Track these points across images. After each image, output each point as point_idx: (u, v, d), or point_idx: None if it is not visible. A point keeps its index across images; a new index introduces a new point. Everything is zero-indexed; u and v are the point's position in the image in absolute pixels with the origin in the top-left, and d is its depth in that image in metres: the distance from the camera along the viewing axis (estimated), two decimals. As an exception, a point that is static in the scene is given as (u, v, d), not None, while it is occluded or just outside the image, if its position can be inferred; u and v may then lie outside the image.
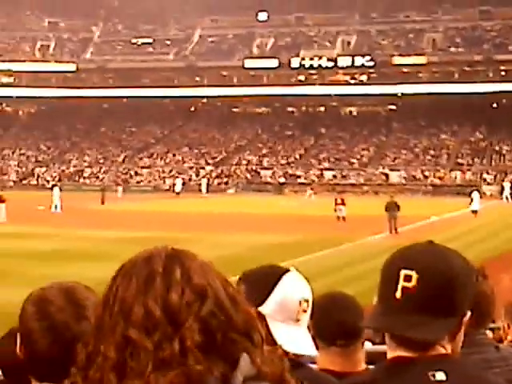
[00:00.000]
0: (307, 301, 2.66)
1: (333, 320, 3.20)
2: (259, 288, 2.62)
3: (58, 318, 2.29)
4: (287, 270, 2.68)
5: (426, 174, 71.61)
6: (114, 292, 1.49)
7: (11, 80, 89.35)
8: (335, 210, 42.48)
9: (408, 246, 2.09)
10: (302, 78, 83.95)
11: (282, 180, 73.08)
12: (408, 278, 1.98)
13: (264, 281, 2.65)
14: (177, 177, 72.56)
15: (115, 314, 1.46)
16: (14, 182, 78.05)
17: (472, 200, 45.56)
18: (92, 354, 1.46)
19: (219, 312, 1.45)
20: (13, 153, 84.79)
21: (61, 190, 50.92)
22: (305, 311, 2.65)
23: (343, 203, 42.75)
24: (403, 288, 1.98)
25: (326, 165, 75.90)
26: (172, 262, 1.48)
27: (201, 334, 1.42)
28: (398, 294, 1.98)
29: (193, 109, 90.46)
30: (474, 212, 44.81)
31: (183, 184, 69.47)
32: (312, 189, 62.43)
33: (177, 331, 1.41)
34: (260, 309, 2.57)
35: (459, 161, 73.25)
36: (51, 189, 51.57)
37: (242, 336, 1.46)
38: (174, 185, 68.90)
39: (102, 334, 1.46)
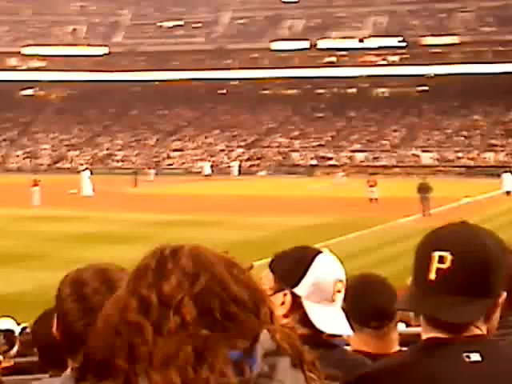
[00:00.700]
0: (341, 281, 2.67)
1: (366, 301, 3.20)
2: (293, 270, 2.63)
3: (93, 300, 2.32)
4: (320, 252, 2.69)
5: (459, 155, 71.11)
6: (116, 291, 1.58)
7: (43, 64, 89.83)
8: (368, 192, 42.45)
9: (441, 227, 2.08)
10: (332, 59, 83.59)
11: (313, 162, 72.96)
12: (442, 260, 1.97)
13: (297, 262, 2.66)
14: (205, 160, 72.70)
15: (113, 307, 1.54)
16: (46, 165, 78.64)
17: (503, 181, 45.23)
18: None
19: (216, 287, 1.49)
20: (45, 136, 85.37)
21: (91, 173, 51.22)
22: (339, 292, 2.66)
23: (375, 185, 42.67)
24: (437, 269, 1.97)
25: (357, 146, 75.64)
26: (165, 256, 1.53)
27: (197, 309, 1.46)
28: (432, 276, 1.98)
29: (223, 91, 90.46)
30: (508, 193, 44.53)
31: (212, 167, 69.61)
32: (343, 170, 62.27)
33: (173, 309, 1.46)
34: (295, 290, 2.61)
35: (492, 141, 72.65)
36: (81, 173, 51.90)
37: (248, 311, 1.49)
38: (202, 167, 69.08)
39: (105, 325, 1.53)
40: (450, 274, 1.96)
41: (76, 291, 2.37)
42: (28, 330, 5.89)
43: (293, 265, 2.65)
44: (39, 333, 3.39)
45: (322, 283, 2.62)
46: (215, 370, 1.41)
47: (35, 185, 42.63)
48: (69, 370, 2.25)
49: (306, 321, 2.60)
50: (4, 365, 4.49)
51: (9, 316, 6.20)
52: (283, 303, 2.60)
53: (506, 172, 46.85)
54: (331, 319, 2.62)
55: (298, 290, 2.61)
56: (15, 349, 5.81)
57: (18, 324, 6.13)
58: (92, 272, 2.40)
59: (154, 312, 1.47)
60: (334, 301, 2.64)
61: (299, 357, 1.50)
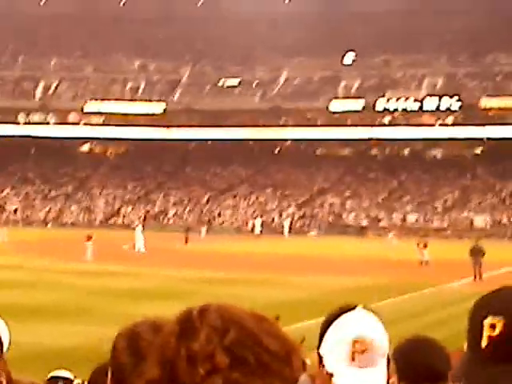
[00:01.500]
0: (364, 341, 2.56)
1: (418, 363, 3.13)
2: (321, 328, 2.63)
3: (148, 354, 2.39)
4: (351, 309, 2.65)
5: (513, 219, 70.35)
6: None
7: (101, 120, 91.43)
8: (419, 254, 42.18)
9: (491, 292, 1.98)
10: (387, 120, 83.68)
11: (365, 223, 72.70)
12: (493, 326, 1.88)
13: (325, 321, 2.65)
14: (256, 217, 72.85)
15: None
16: (100, 221, 79.56)
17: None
18: None
19: (248, 340, 1.50)
20: (100, 192, 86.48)
21: (144, 228, 51.68)
22: (363, 352, 2.55)
23: (426, 247, 42.43)
24: (489, 337, 1.88)
25: (409, 208, 75.26)
26: (191, 316, 1.55)
27: (229, 359, 1.46)
28: (484, 344, 1.88)
29: (277, 150, 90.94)
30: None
31: (262, 225, 69.74)
32: (394, 233, 61.84)
33: (203, 361, 1.47)
34: (319, 350, 2.59)
35: (547, 206, 71.80)
36: (134, 229, 52.40)
37: (280, 361, 1.50)
38: (253, 226, 69.19)
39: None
40: (502, 341, 1.87)
41: (131, 345, 2.40)
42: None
43: (323, 324, 2.65)
44: None
45: (339, 341, 2.56)
46: None
47: (89, 239, 43.15)
48: None
49: (329, 381, 2.56)
50: None
51: (65, 369, 6.38)
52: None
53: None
54: (354, 380, 2.54)
55: (321, 350, 2.59)
56: None
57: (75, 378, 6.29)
58: (147, 326, 2.44)
59: (183, 373, 1.48)
60: (353, 360, 2.55)
61: None
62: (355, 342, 2.54)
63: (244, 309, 1.58)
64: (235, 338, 1.48)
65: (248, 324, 1.52)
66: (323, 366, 2.58)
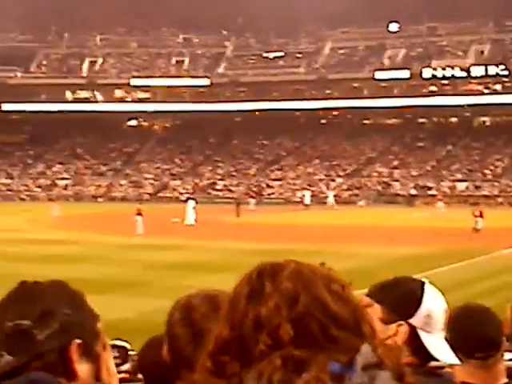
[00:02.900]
0: (446, 311, 2.70)
1: (471, 332, 3.12)
2: (406, 301, 2.64)
3: (201, 325, 2.40)
4: (424, 282, 2.70)
5: None
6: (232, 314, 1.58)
7: (147, 95, 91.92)
8: (474, 222, 41.92)
9: None
10: (433, 88, 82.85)
11: (413, 192, 72.27)
12: None
13: (410, 293, 2.66)
14: (306, 189, 72.77)
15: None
16: (149, 194, 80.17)
17: None
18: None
19: (316, 310, 1.51)
20: (149, 166, 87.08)
21: (196, 202, 51.85)
22: (444, 322, 2.68)
23: (481, 215, 42.17)
24: None
25: (459, 176, 74.60)
26: (263, 277, 1.56)
27: (294, 331, 1.47)
28: None
29: (323, 121, 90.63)
30: None
31: (312, 196, 69.68)
32: (442, 200, 61.34)
33: (267, 332, 1.48)
34: (410, 321, 2.63)
35: None
36: (186, 201, 52.59)
37: (348, 330, 1.51)
38: (303, 197, 69.17)
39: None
40: None
41: (186, 316, 2.47)
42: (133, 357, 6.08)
43: (405, 296, 2.65)
44: (146, 358, 3.46)
45: (435, 313, 2.63)
46: (312, 380, 1.44)
47: (139, 214, 43.50)
48: None
49: (419, 351, 2.60)
50: (118, 376, 4.67)
51: (122, 340, 6.49)
52: (395, 334, 2.60)
53: None
54: (443, 348, 2.62)
55: (413, 321, 2.62)
56: (127, 365, 6.05)
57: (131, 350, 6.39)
58: (201, 298, 2.50)
59: (248, 337, 1.50)
60: (442, 329, 2.65)
61: (400, 372, 1.52)
62: (444, 312, 2.67)
63: (317, 269, 1.59)
64: (303, 309, 1.48)
65: (319, 291, 1.52)
66: (413, 335, 2.63)
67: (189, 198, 53.69)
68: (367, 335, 1.52)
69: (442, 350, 2.60)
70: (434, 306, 2.64)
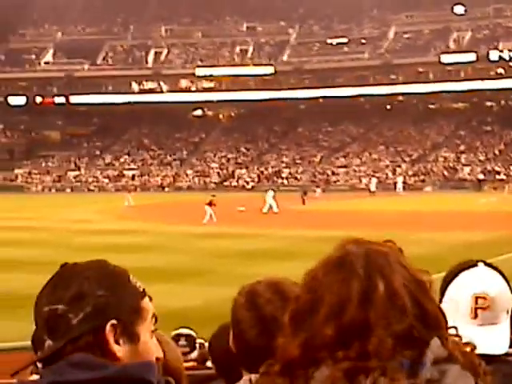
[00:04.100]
0: (487, 297, 2.54)
1: None
2: (441, 285, 2.62)
3: (265, 310, 2.47)
4: (474, 265, 2.64)
5: None
6: (310, 288, 1.59)
7: (212, 85, 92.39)
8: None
9: None
10: (501, 70, 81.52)
11: (481, 176, 71.35)
12: None
13: (445, 277, 2.65)
14: (372, 176, 72.40)
15: (309, 310, 1.57)
16: (215, 183, 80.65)
17: None
18: (284, 345, 1.58)
19: (414, 308, 1.51)
20: (214, 155, 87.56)
21: (274, 191, 51.66)
22: (485, 308, 2.54)
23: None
24: None
25: (528, 160, 73.45)
26: (372, 270, 1.54)
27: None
28: None
29: (388, 107, 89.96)
30: None
31: (378, 183, 69.31)
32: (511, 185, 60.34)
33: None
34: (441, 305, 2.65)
35: None
36: (266, 191, 52.24)
37: (432, 325, 1.53)
38: (369, 183, 68.84)
39: (295, 327, 1.59)
40: None
41: (249, 301, 2.52)
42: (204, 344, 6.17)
43: (444, 279, 2.65)
44: (216, 346, 3.51)
45: (457, 298, 2.56)
46: (387, 373, 1.45)
47: (210, 204, 43.58)
48: (243, 380, 2.45)
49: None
50: (186, 365, 4.73)
51: (188, 328, 6.64)
52: None
53: None
54: (475, 337, 2.38)
55: (442, 305, 2.61)
56: (195, 353, 6.15)
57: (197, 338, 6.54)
58: (265, 284, 2.56)
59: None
60: (475, 317, 2.54)
61: (471, 366, 1.53)
62: (477, 297, 2.53)
63: (405, 261, 1.59)
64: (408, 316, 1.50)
65: (396, 283, 1.52)
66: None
67: (269, 189, 53.34)
68: (437, 327, 1.53)
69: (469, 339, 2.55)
70: (460, 290, 2.56)
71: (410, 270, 1.55)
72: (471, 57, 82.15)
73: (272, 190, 51.80)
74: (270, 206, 48.52)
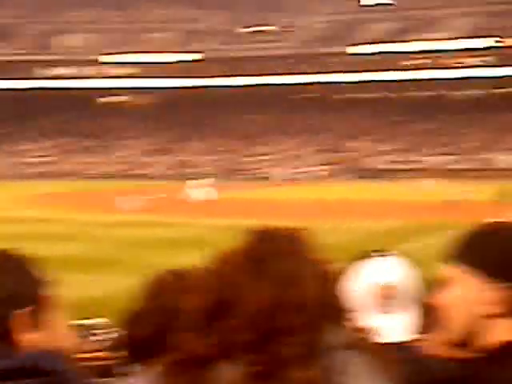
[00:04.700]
0: (392, 286, 2.60)
1: None
2: (351, 274, 2.63)
3: (170, 299, 2.46)
4: (380, 255, 2.68)
5: None
6: (225, 286, 1.56)
7: (122, 71, 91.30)
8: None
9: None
10: (407, 63, 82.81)
11: (393, 166, 72.45)
12: None
13: (354, 266, 2.67)
14: (277, 165, 72.86)
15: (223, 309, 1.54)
16: (127, 171, 79.57)
17: None
18: (194, 338, 1.55)
19: (319, 302, 1.50)
20: (125, 143, 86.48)
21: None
22: (390, 297, 2.60)
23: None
24: None
25: (438, 150, 74.86)
26: (283, 271, 1.53)
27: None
28: None
29: (297, 96, 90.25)
30: None
31: (290, 173, 70.04)
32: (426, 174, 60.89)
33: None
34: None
35: None
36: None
37: (334, 316, 1.51)
38: (275, 174, 68.71)
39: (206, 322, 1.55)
40: None
41: (153, 290, 2.56)
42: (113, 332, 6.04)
43: (352, 270, 2.67)
44: (125, 334, 3.54)
45: (364, 287, 2.60)
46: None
47: (120, 193, 43.29)
48: (155, 367, 2.35)
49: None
50: (96, 354, 4.73)
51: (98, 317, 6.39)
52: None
53: None
54: (380, 325, 2.54)
55: (350, 295, 2.57)
56: (105, 342, 6.01)
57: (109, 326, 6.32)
58: (171, 274, 2.59)
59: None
60: (380, 306, 2.60)
61: (372, 352, 1.51)
62: (383, 287, 2.59)
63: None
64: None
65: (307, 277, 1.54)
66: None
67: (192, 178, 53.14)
68: (336, 316, 1.54)
69: (376, 326, 2.50)
70: (368, 280, 2.62)
71: (317, 262, 1.59)
72: (381, 48, 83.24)
73: (198, 179, 51.78)
74: (197, 195, 48.52)
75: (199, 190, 49.10)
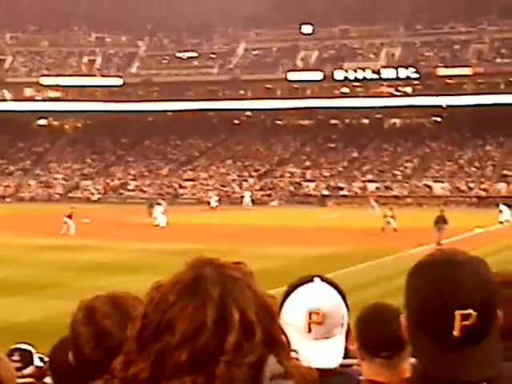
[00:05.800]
0: (319, 312, 2.60)
1: (376, 331, 3.09)
2: (282, 299, 2.64)
3: (103, 324, 2.43)
4: (309, 280, 2.69)
5: (471, 185, 70.99)
6: (161, 309, 1.54)
7: (58, 94, 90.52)
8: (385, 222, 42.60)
9: (453, 277, 1.91)
10: (345, 90, 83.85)
11: (326, 192, 72.97)
12: (466, 317, 1.84)
13: (284, 293, 2.68)
14: (212, 190, 72.71)
15: (159, 331, 1.52)
16: (59, 194, 78.90)
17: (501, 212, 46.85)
18: (128, 362, 1.53)
19: (262, 333, 1.51)
20: (59, 166, 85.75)
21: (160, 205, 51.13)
22: (319, 323, 2.60)
23: (393, 217, 42.81)
24: (462, 326, 1.85)
25: (370, 177, 75.63)
26: (226, 297, 1.52)
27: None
28: (456, 333, 1.85)
29: (237, 122, 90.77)
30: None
31: (224, 197, 69.84)
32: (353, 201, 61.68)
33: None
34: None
35: (505, 172, 72.51)
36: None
37: (274, 346, 1.52)
38: (210, 199, 68.43)
39: (141, 346, 1.53)
40: (475, 327, 1.85)
41: (87, 315, 2.48)
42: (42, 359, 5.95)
43: (283, 295, 2.68)
44: (56, 359, 3.45)
45: (293, 313, 2.59)
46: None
47: (69, 216, 42.78)
48: None
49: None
50: (22, 381, 4.60)
51: (26, 343, 6.31)
52: None
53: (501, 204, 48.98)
54: (309, 351, 2.46)
55: (280, 321, 2.60)
56: (31, 368, 5.87)
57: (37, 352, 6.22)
58: (105, 298, 2.52)
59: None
60: (309, 331, 2.59)
61: (305, 381, 1.53)
62: (311, 313, 2.58)
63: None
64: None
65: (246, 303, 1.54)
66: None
67: (157, 203, 52.62)
68: (278, 347, 1.52)
69: (303, 352, 2.56)
70: (294, 306, 2.61)
71: (260, 295, 1.57)
72: (317, 75, 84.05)
73: (158, 203, 51.36)
74: (159, 220, 48.14)
75: (160, 216, 48.85)
